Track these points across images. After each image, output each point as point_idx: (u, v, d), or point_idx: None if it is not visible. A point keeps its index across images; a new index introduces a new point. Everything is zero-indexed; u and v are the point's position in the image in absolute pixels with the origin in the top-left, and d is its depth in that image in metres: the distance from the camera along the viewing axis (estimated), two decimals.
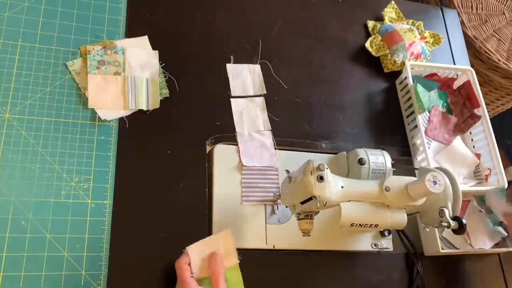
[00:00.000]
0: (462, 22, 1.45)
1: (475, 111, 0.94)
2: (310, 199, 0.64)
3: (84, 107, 0.76)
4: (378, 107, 0.96)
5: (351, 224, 0.68)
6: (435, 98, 0.96)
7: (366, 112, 0.94)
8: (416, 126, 0.90)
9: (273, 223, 0.78)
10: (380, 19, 1.05)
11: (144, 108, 0.78)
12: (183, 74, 0.84)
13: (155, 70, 0.82)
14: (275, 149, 0.83)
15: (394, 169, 0.77)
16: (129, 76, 0.80)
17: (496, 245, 0.87)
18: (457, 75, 0.99)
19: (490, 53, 1.44)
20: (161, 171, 0.75)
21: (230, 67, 0.88)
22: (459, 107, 0.97)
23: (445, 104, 0.97)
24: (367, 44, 0.98)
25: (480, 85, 1.17)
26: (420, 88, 0.91)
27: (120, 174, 0.73)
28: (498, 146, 0.90)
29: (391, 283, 0.81)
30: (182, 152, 0.78)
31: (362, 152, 0.77)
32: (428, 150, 0.86)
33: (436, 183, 0.64)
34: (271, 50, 0.92)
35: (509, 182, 0.89)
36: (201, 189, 0.76)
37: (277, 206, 0.79)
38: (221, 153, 0.80)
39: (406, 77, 0.93)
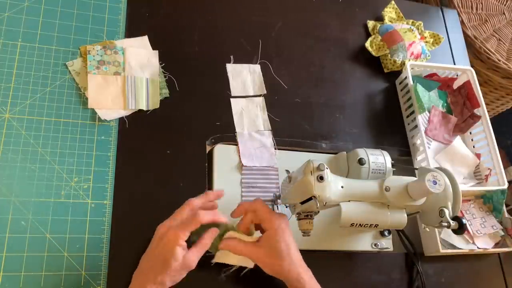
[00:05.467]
0: (462, 22, 1.45)
1: (475, 111, 0.94)
2: (310, 199, 0.64)
3: (84, 107, 0.76)
4: (378, 107, 0.96)
5: (351, 224, 0.68)
6: (435, 98, 0.96)
7: (366, 112, 0.94)
8: (416, 126, 0.90)
9: None
10: (380, 19, 1.05)
11: (144, 108, 0.78)
12: (183, 74, 0.84)
13: (155, 70, 0.82)
14: (275, 149, 0.83)
15: (394, 169, 0.77)
16: (129, 76, 0.80)
17: (496, 245, 0.87)
18: (457, 75, 0.99)
19: (490, 53, 1.44)
20: (161, 171, 0.75)
21: (230, 67, 0.88)
22: (459, 107, 0.97)
23: (445, 104, 0.97)
24: (367, 44, 0.98)
25: (480, 85, 1.17)
26: (420, 88, 0.91)
27: (120, 174, 0.73)
28: (498, 146, 0.90)
29: (391, 283, 0.81)
30: (182, 152, 0.78)
31: (362, 152, 0.77)
32: (428, 150, 0.86)
33: (436, 183, 0.64)
34: (271, 50, 0.92)
35: (509, 182, 0.89)
36: (201, 189, 0.76)
37: (277, 206, 0.79)
38: (221, 153, 0.80)
39: (406, 77, 0.93)
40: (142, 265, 0.61)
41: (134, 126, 0.77)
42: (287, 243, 0.64)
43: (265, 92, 0.88)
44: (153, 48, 0.84)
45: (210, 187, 0.77)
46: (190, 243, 0.62)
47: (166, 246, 0.59)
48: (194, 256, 0.60)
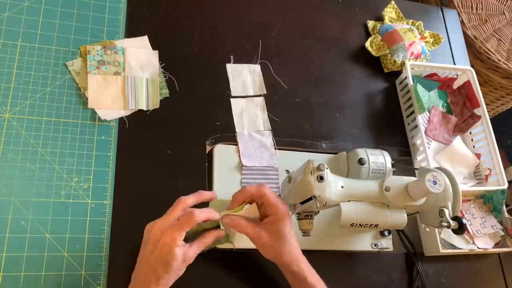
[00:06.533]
0: (462, 22, 1.45)
1: (475, 111, 0.94)
2: (310, 199, 0.64)
3: (84, 107, 0.76)
4: (378, 107, 0.96)
5: (351, 224, 0.68)
6: (435, 98, 0.96)
7: (366, 112, 0.94)
8: (416, 126, 0.90)
9: None
10: (380, 19, 1.05)
11: (144, 108, 0.79)
12: (183, 74, 0.84)
13: (155, 70, 0.82)
14: (275, 149, 0.83)
15: (394, 169, 0.77)
16: (129, 76, 0.80)
17: (496, 245, 0.87)
18: (457, 75, 0.99)
19: (490, 53, 1.44)
20: (161, 171, 0.75)
21: (230, 67, 0.88)
22: (459, 107, 0.97)
23: (445, 104, 0.97)
24: (367, 44, 0.98)
25: (480, 85, 1.17)
26: (420, 88, 0.91)
27: (120, 174, 0.73)
28: (498, 146, 0.90)
29: (391, 283, 0.81)
30: (182, 152, 0.78)
31: (362, 152, 0.77)
32: (428, 150, 0.86)
33: (436, 183, 0.64)
34: (271, 50, 0.92)
35: (509, 182, 0.89)
36: (201, 189, 0.76)
37: None
38: (221, 153, 0.80)
39: (406, 77, 0.93)
40: (142, 267, 0.61)
41: (134, 126, 0.77)
42: (290, 228, 0.65)
43: (265, 92, 0.88)
44: (153, 48, 0.84)
45: (210, 187, 0.77)
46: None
47: (164, 249, 0.58)
48: (193, 253, 0.61)
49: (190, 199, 0.63)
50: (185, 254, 0.59)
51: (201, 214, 0.61)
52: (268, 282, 0.73)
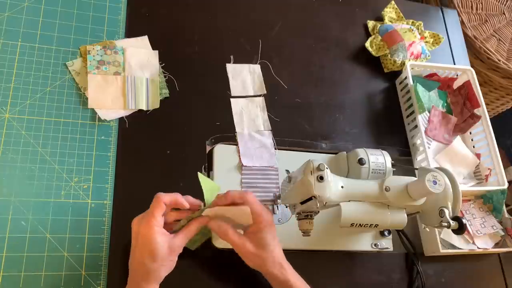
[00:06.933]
0: (462, 22, 1.45)
1: (475, 111, 0.94)
2: (310, 199, 0.64)
3: (84, 107, 0.76)
4: (378, 107, 0.96)
5: (351, 224, 0.68)
6: (435, 98, 0.96)
7: (366, 112, 0.94)
8: (416, 126, 0.90)
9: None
10: (380, 19, 1.05)
11: (144, 108, 0.79)
12: (183, 74, 0.84)
13: (155, 70, 0.82)
14: (275, 149, 0.83)
15: (394, 169, 0.77)
16: (129, 76, 0.80)
17: (496, 245, 0.87)
18: (457, 75, 0.99)
19: (490, 53, 1.44)
20: (161, 171, 0.75)
21: (230, 67, 0.88)
22: (459, 107, 0.97)
23: (445, 104, 0.97)
24: (367, 44, 0.98)
25: (480, 85, 1.17)
26: (420, 88, 0.91)
27: (120, 174, 0.73)
28: (498, 146, 0.90)
29: (391, 283, 0.81)
30: (182, 152, 0.78)
31: (362, 152, 0.77)
32: (428, 150, 0.86)
33: (436, 183, 0.64)
34: (271, 50, 0.92)
35: (509, 182, 0.89)
36: (201, 189, 0.76)
37: (277, 206, 0.79)
38: (221, 153, 0.80)
39: (406, 77, 0.93)
40: (132, 266, 0.61)
41: (134, 126, 0.77)
42: (273, 237, 0.65)
43: (265, 92, 0.88)
44: (153, 48, 0.84)
45: None
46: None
47: (144, 239, 0.59)
48: (179, 241, 0.61)
49: (167, 197, 0.63)
50: (170, 243, 0.60)
51: (166, 197, 0.61)
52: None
